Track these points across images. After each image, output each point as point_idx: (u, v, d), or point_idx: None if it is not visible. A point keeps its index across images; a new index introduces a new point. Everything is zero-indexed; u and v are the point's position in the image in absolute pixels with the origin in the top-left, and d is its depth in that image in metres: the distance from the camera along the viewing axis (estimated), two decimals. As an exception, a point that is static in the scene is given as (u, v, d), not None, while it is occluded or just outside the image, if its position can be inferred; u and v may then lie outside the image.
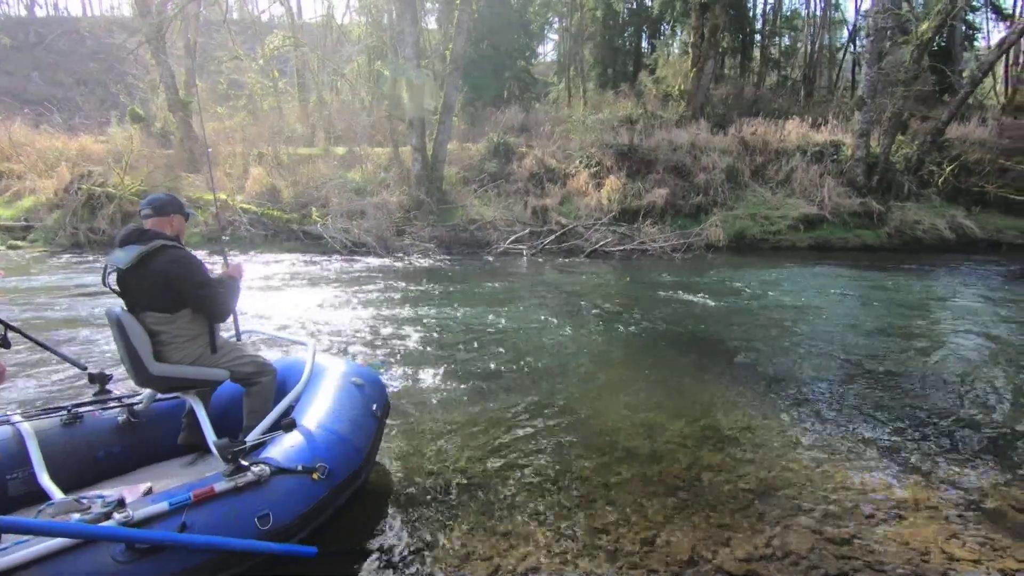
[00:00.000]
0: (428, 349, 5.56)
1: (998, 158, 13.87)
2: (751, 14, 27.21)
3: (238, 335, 3.22)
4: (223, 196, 13.46)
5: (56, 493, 2.24)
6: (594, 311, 7.28)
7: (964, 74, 17.07)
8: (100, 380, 2.99)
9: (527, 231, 13.16)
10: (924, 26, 12.33)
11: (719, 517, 2.81)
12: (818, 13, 28.43)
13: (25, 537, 1.69)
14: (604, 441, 3.64)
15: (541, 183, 15.25)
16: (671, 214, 14.17)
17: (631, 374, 5.00)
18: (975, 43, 27.23)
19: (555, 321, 6.73)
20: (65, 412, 2.73)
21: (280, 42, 21.16)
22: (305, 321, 6.55)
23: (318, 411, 2.69)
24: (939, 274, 10.28)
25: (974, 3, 23.28)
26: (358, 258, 11.75)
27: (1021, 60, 21.93)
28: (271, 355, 3.89)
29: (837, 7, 29.85)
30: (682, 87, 21.35)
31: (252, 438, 2.42)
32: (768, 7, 28.67)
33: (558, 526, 2.72)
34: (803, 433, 3.78)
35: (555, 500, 2.95)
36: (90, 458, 2.73)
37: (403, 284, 8.99)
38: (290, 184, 14.53)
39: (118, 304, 2.64)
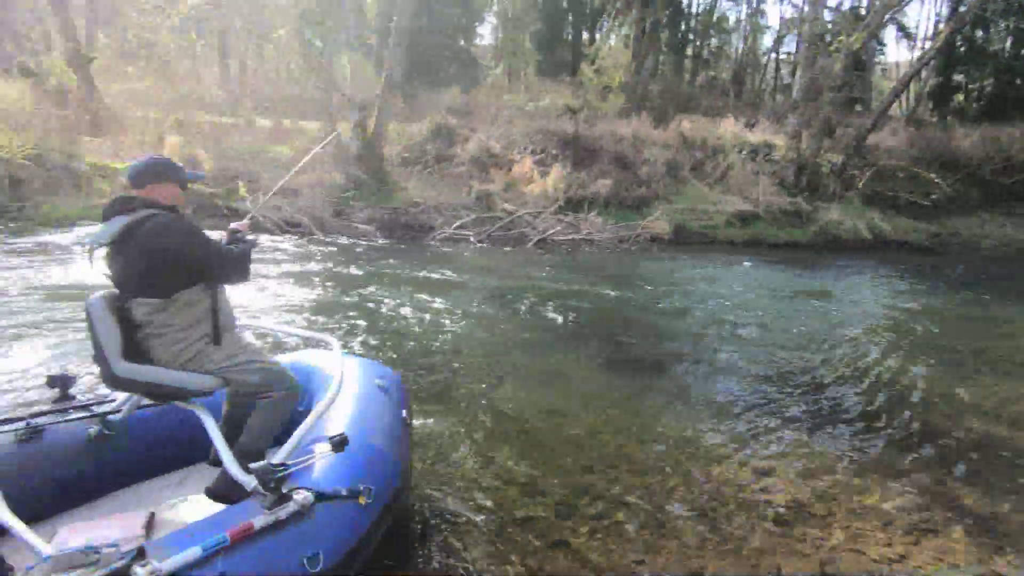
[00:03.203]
0: (369, 339, 5.14)
1: (911, 165, 15.01)
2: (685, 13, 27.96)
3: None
4: (134, 165, 12.08)
5: (17, 527, 1.72)
6: (545, 303, 7.09)
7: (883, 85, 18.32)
8: (61, 384, 2.40)
9: (472, 217, 12.77)
10: (855, 36, 13.05)
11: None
12: (744, 18, 29.76)
13: None
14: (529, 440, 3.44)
15: (485, 168, 14.88)
16: (615, 205, 14.25)
17: (569, 367, 4.85)
18: (882, 55, 29.54)
19: (502, 313, 6.49)
20: (22, 425, 2.18)
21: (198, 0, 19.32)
22: (233, 305, 5.90)
23: (349, 421, 2.24)
24: (858, 271, 10.97)
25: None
26: (291, 238, 10.92)
27: (923, 75, 23.89)
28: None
29: (763, 13, 31.36)
30: (622, 80, 21.59)
31: (282, 458, 1.96)
32: (700, 8, 29.64)
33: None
34: (721, 430, 3.76)
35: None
36: (52, 481, 2.21)
37: (342, 269, 8.40)
38: (213, 156, 13.29)
39: (102, 292, 2.11)
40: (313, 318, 5.68)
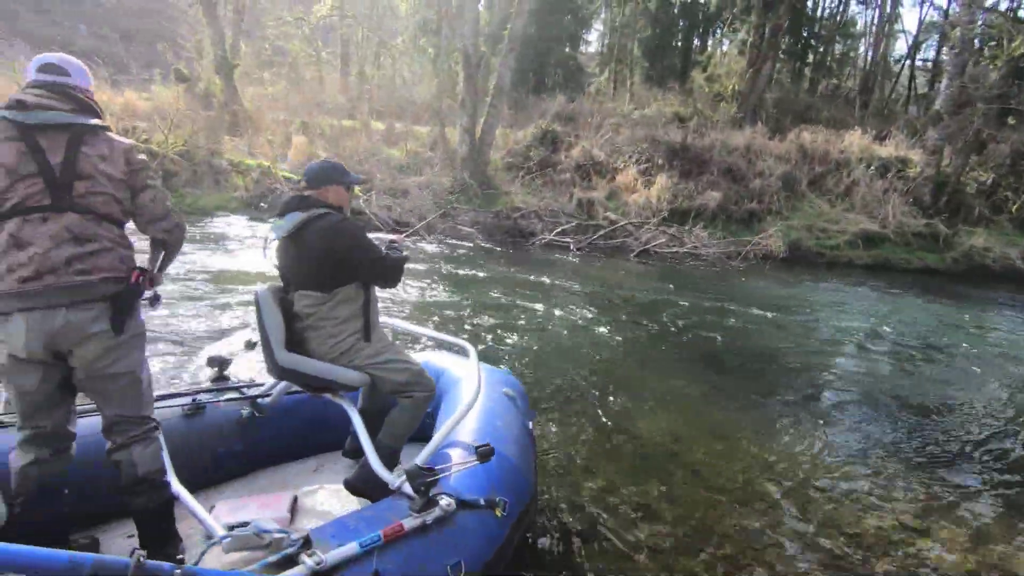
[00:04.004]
0: (472, 342, 5.16)
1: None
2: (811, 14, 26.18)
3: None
4: (265, 163, 13.16)
5: (186, 497, 1.90)
6: (651, 317, 6.82)
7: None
8: (219, 364, 2.64)
9: (573, 224, 12.67)
10: (1017, 41, 11.55)
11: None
12: (876, 22, 27.36)
13: None
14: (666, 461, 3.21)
15: (588, 175, 14.72)
16: (723, 219, 13.58)
17: (682, 388, 4.57)
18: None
19: (607, 325, 6.30)
20: (189, 401, 2.38)
21: (327, 11, 20.78)
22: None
23: (485, 430, 2.25)
24: (1009, 304, 9.66)
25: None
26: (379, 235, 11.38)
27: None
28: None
29: (897, 18, 28.69)
30: (736, 87, 20.57)
31: (423, 460, 1.98)
32: (826, 12, 27.65)
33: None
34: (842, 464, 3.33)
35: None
36: (211, 455, 2.39)
37: (447, 269, 8.60)
38: (332, 156, 14.15)
39: (269, 284, 2.30)
40: (419, 316, 5.83)
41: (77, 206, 1.67)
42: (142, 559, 1.05)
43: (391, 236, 2.52)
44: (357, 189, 12.98)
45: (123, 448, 1.80)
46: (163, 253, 2.01)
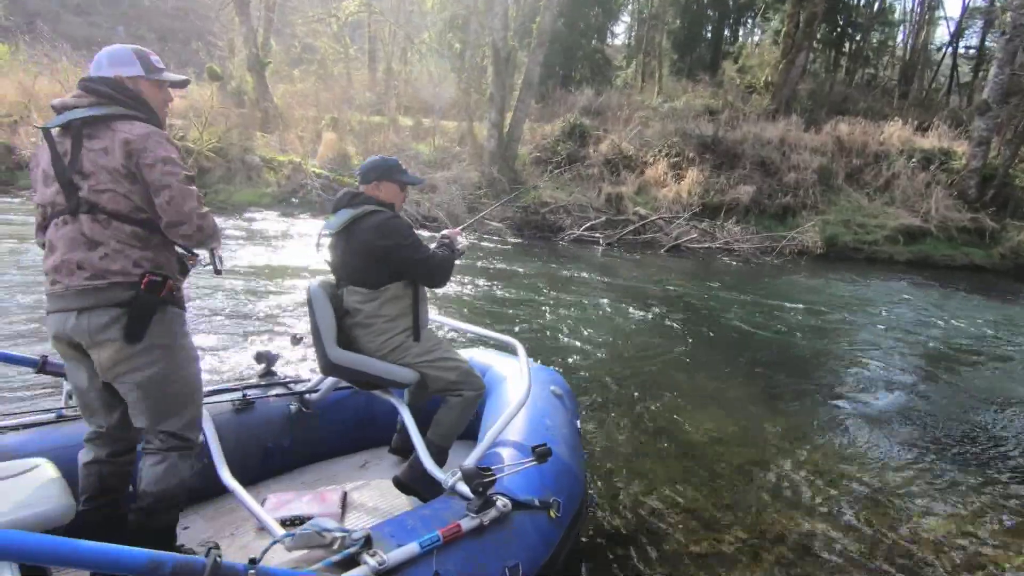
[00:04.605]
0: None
1: None
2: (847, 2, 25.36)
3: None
4: (296, 159, 13.31)
5: (240, 492, 1.88)
6: (685, 315, 6.70)
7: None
8: (267, 360, 2.64)
9: (602, 219, 12.53)
10: (1074, 25, 10.99)
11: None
12: (917, 8, 26.39)
13: None
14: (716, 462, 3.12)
15: (617, 170, 14.55)
16: (755, 213, 13.29)
17: (723, 387, 4.45)
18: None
19: (643, 323, 6.20)
20: (238, 396, 2.39)
21: (355, 7, 20.90)
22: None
23: (537, 429, 2.21)
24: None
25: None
26: (428, 232, 11.41)
27: None
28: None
29: (939, 4, 27.63)
30: (769, 79, 20.08)
31: (475, 460, 1.97)
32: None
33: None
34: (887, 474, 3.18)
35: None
36: (260, 450, 2.40)
37: (476, 264, 8.57)
38: (361, 151, 14.26)
39: (320, 279, 2.28)
40: (457, 311, 5.82)
41: (86, 206, 1.59)
42: (218, 559, 1.04)
43: (445, 231, 2.46)
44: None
45: (140, 456, 1.74)
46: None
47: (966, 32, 25.57)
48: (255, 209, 11.60)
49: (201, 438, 1.83)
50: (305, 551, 1.49)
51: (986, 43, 23.11)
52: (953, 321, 7.51)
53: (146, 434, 1.71)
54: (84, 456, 1.77)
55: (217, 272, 1.91)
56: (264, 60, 16.66)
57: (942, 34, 27.04)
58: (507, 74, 13.21)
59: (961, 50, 25.99)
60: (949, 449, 3.68)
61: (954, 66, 25.37)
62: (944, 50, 26.25)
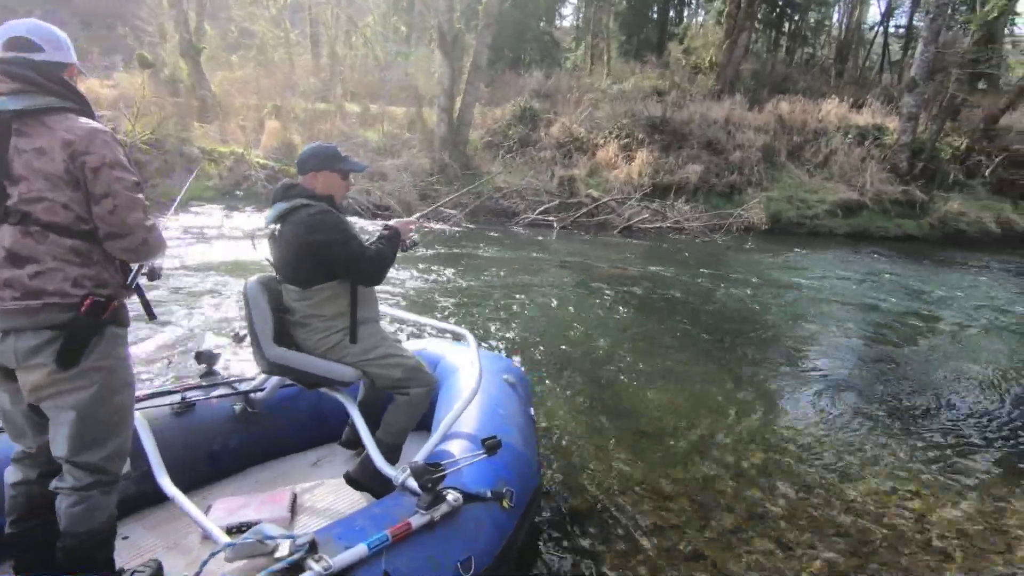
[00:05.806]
0: (463, 326, 5.12)
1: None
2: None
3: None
4: (238, 149, 12.80)
5: (181, 499, 1.81)
6: (639, 294, 6.83)
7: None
8: (208, 360, 2.52)
9: (556, 202, 12.58)
10: (990, 4, 11.61)
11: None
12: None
13: None
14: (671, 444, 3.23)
15: (569, 153, 14.61)
16: (704, 192, 13.62)
17: (675, 363, 4.60)
18: (1014, 26, 26.25)
19: (596, 304, 6.30)
20: (178, 399, 2.28)
21: (294, -11, 20.08)
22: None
23: (488, 420, 2.20)
24: (984, 270, 9.87)
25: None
26: (379, 222, 11.20)
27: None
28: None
29: (870, -16, 28.68)
30: (714, 59, 20.47)
31: (425, 454, 1.95)
32: (801, -21, 27.47)
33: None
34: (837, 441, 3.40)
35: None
36: (205, 453, 2.32)
37: (431, 252, 8.49)
38: (307, 140, 13.81)
39: (260, 275, 2.19)
40: (409, 301, 5.76)
41: (15, 217, 1.39)
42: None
43: (398, 222, 2.30)
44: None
45: (56, 492, 1.55)
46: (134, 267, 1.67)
47: (896, 12, 26.71)
48: (197, 203, 11.09)
49: (126, 468, 1.64)
50: (247, 560, 1.45)
51: (914, 22, 24.19)
52: (890, 288, 7.93)
53: (64, 465, 1.53)
54: (11, 476, 1.63)
55: (153, 279, 1.82)
56: (198, 46, 15.86)
57: (874, 14, 28.18)
58: (455, 57, 12.98)
59: (892, 29, 27.16)
60: (891, 411, 3.90)
61: (885, 44, 26.50)
62: (876, 29, 27.37)
